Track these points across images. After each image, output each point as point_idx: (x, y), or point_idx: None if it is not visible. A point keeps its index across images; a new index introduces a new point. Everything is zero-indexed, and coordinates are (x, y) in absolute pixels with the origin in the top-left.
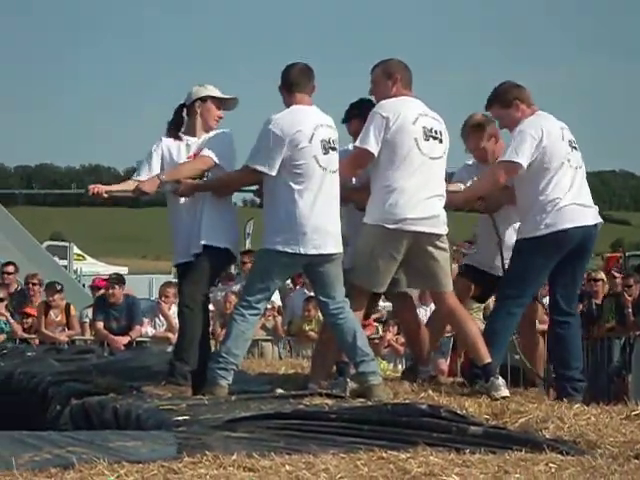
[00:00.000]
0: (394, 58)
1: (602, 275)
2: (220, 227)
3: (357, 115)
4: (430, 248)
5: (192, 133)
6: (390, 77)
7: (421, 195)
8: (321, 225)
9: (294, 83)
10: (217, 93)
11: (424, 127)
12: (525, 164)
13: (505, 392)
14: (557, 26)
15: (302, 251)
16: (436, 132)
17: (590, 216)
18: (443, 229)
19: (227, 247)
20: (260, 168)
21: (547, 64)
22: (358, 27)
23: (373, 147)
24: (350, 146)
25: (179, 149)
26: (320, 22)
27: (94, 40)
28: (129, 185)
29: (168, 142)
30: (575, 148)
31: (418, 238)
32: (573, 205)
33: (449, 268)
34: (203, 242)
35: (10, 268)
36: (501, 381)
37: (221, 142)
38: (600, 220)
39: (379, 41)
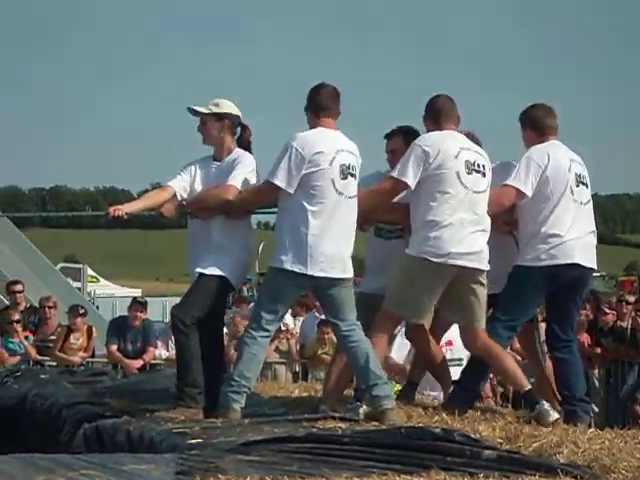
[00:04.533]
0: (441, 95)
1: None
2: (222, 253)
3: (400, 135)
4: (471, 284)
5: (220, 154)
6: (432, 113)
7: (465, 230)
8: (331, 249)
9: (323, 107)
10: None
11: (467, 161)
12: (530, 192)
13: (555, 415)
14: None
15: (309, 272)
16: (479, 166)
17: (588, 259)
18: (485, 265)
19: (223, 275)
20: (279, 184)
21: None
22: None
23: (411, 180)
24: (384, 170)
25: (205, 175)
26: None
27: (103, 67)
28: (148, 201)
29: (200, 164)
30: (583, 184)
31: (461, 273)
32: (573, 242)
33: (485, 304)
34: (197, 270)
35: (19, 287)
36: (547, 405)
37: (246, 169)
38: (595, 267)
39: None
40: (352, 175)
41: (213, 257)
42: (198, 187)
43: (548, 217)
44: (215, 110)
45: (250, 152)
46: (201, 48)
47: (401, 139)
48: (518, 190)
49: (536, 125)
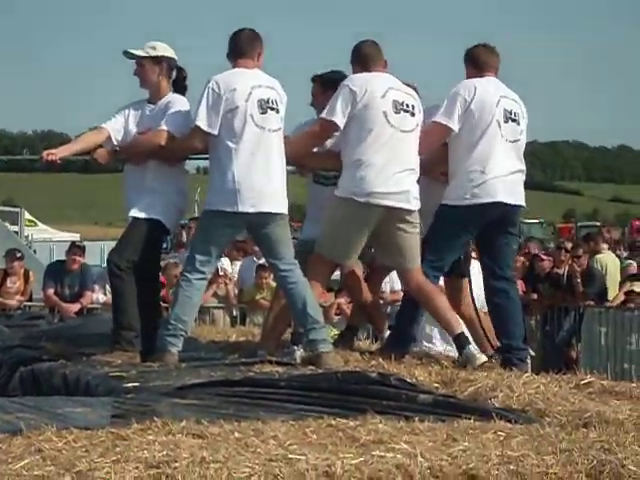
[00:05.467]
0: (366, 40)
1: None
2: (155, 197)
3: (318, 81)
4: (399, 224)
5: (155, 97)
6: (360, 58)
7: (391, 169)
8: (259, 184)
9: (241, 50)
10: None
11: (394, 100)
12: (456, 127)
13: (482, 358)
14: None
15: (240, 209)
16: (408, 105)
17: (513, 196)
18: (414, 204)
19: (156, 218)
20: (201, 125)
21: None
22: None
23: (339, 119)
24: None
25: (139, 117)
26: None
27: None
28: (82, 144)
29: (134, 107)
30: (513, 120)
31: (387, 213)
32: (497, 180)
33: (418, 244)
34: (130, 214)
35: None
36: (473, 349)
37: (179, 113)
38: (523, 204)
39: None
40: (273, 109)
41: (146, 201)
42: (133, 129)
43: (471, 153)
44: (152, 53)
45: (184, 94)
46: None
47: (318, 85)
48: (445, 126)
49: (475, 62)
